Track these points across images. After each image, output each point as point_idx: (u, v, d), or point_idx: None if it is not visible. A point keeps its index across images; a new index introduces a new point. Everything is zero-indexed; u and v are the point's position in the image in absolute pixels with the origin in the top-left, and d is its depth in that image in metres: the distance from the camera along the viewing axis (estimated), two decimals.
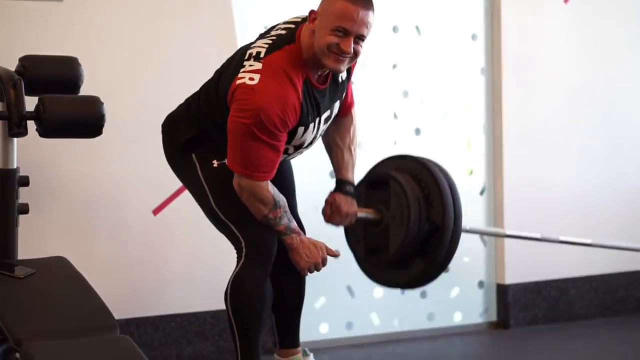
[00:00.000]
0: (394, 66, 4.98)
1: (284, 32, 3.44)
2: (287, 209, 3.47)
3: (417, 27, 5.04)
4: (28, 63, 3.56)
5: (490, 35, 5.20)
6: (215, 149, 3.48)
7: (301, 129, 3.42)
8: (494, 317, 5.21)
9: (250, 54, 3.36)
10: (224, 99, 3.38)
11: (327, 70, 3.43)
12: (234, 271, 3.48)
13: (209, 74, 3.60)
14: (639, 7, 5.51)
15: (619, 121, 5.47)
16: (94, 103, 3.51)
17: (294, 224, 3.50)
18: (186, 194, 4.22)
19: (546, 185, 5.27)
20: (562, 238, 4.33)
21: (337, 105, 3.57)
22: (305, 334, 3.97)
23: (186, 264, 4.40)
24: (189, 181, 3.58)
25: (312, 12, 3.36)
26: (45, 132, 3.43)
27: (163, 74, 4.35)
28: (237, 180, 3.39)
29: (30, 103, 3.44)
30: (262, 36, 3.49)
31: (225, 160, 3.44)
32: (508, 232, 4.23)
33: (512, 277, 5.17)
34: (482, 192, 5.19)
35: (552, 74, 5.29)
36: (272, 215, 3.43)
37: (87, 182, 4.22)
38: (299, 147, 3.51)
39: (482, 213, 5.19)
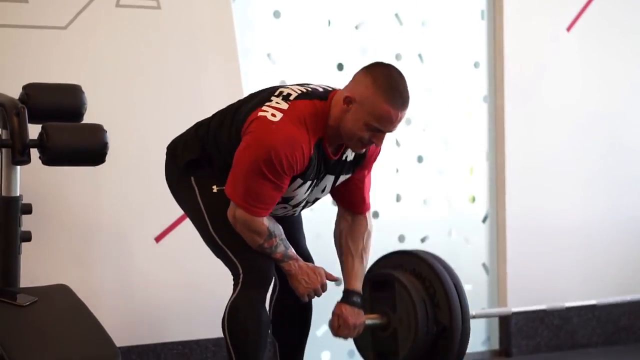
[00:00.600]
0: None
1: (320, 89, 3.45)
2: (284, 236, 3.46)
3: (419, 55, 5.05)
4: (31, 91, 3.57)
5: (492, 63, 5.21)
6: (215, 174, 3.48)
7: (299, 181, 3.40)
8: (496, 346, 5.19)
9: (281, 92, 3.37)
10: (238, 125, 3.37)
11: (343, 144, 3.43)
12: (230, 298, 3.48)
13: (211, 103, 3.62)
14: None
15: (623, 149, 5.47)
16: (97, 131, 3.51)
17: (292, 251, 3.49)
18: (188, 221, 4.24)
19: (549, 212, 5.26)
20: (567, 305, 4.35)
21: (331, 180, 3.52)
22: None
23: (189, 291, 4.39)
24: (187, 205, 3.58)
25: (347, 97, 3.32)
26: (49, 160, 3.44)
27: (165, 102, 4.35)
28: (232, 211, 3.38)
29: (34, 131, 3.45)
30: (299, 84, 3.48)
31: (224, 187, 3.45)
32: (513, 310, 4.23)
33: (514, 305, 5.16)
34: (484, 220, 5.19)
35: (555, 101, 5.29)
36: (267, 245, 3.42)
37: (89, 210, 4.22)
38: (286, 201, 3.48)
39: (484, 241, 5.18)
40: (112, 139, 3.57)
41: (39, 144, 3.42)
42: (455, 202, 5.13)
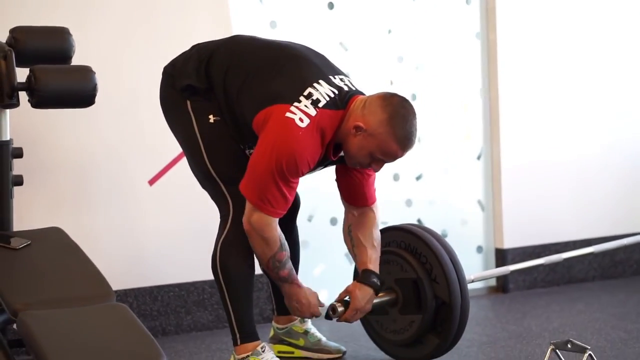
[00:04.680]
0: (389, 31, 4.96)
1: (345, 88, 3.44)
2: (289, 257, 3.49)
3: None
4: (19, 34, 3.55)
5: None
6: (213, 104, 3.47)
7: None
8: (493, 282, 5.20)
9: (310, 94, 3.35)
10: (259, 105, 3.36)
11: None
12: (219, 236, 3.51)
13: (200, 41, 3.59)
14: None
15: (619, 83, 5.45)
16: (86, 73, 3.51)
17: (294, 273, 3.53)
18: (182, 163, 4.23)
19: (544, 148, 5.25)
20: (564, 256, 4.38)
21: (322, 169, 3.61)
22: None
23: (184, 233, 4.39)
24: (182, 132, 3.56)
25: (358, 126, 3.35)
26: (37, 103, 3.43)
27: (155, 42, 4.32)
28: (248, 216, 3.38)
29: (22, 75, 3.43)
30: (329, 81, 3.44)
31: (220, 117, 3.45)
32: (512, 268, 4.23)
33: (510, 241, 5.17)
34: (479, 157, 5.18)
35: (549, 35, 5.27)
36: (278, 257, 3.43)
37: (81, 153, 4.21)
38: None
39: (479, 178, 5.18)
40: (101, 81, 3.56)
41: (28, 86, 3.41)
42: (450, 139, 5.12)
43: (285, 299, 3.59)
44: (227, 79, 3.45)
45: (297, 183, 3.38)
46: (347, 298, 3.66)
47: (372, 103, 3.37)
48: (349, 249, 3.73)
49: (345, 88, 3.43)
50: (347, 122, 3.38)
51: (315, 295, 3.60)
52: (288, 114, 3.30)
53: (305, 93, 3.35)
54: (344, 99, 3.40)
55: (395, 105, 3.36)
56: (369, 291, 3.61)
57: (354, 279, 3.74)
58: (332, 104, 3.37)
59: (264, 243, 3.41)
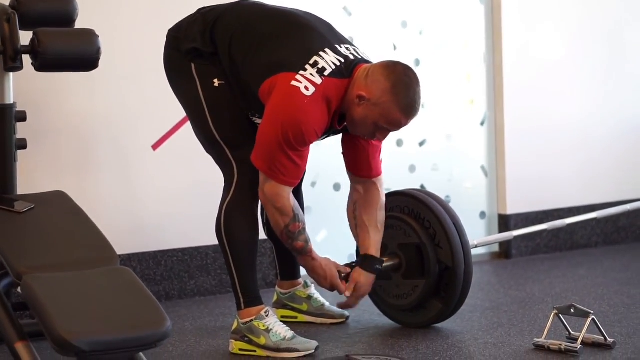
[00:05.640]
0: None
1: (351, 57, 3.42)
2: (306, 227, 3.49)
3: None
4: None
5: None
6: (217, 70, 3.45)
7: None
8: (496, 248, 5.21)
9: (316, 63, 3.34)
10: (264, 73, 3.35)
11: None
12: (224, 200, 3.51)
13: (205, 5, 3.58)
14: None
15: (621, 48, 5.44)
16: (89, 36, 3.49)
17: (311, 245, 3.52)
18: (185, 128, 4.22)
19: (547, 114, 5.25)
20: (567, 221, 4.41)
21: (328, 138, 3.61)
22: None
23: (187, 198, 4.39)
24: (186, 95, 3.56)
25: (361, 95, 3.33)
26: (41, 66, 3.42)
27: (159, 6, 4.30)
28: (262, 185, 3.39)
29: (25, 38, 3.42)
30: (334, 49, 3.42)
31: (225, 82, 3.45)
32: (515, 234, 4.26)
33: (513, 207, 5.17)
34: (482, 123, 5.17)
35: (553, 1, 5.24)
36: (291, 228, 3.43)
37: (85, 117, 4.20)
38: None
39: (483, 143, 5.17)
40: (105, 45, 3.54)
41: (31, 50, 3.40)
42: (453, 105, 5.10)
43: (306, 271, 3.61)
44: (233, 46, 3.44)
45: (307, 151, 3.38)
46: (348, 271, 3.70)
47: (375, 72, 3.36)
48: (351, 227, 3.74)
49: (351, 57, 3.42)
50: (351, 91, 3.37)
51: (333, 266, 3.61)
52: (293, 83, 3.29)
53: (311, 61, 3.34)
54: (350, 67, 3.39)
55: (398, 73, 3.35)
56: (372, 277, 3.65)
57: (357, 256, 3.75)
58: (338, 72, 3.36)
59: (277, 213, 3.41)
